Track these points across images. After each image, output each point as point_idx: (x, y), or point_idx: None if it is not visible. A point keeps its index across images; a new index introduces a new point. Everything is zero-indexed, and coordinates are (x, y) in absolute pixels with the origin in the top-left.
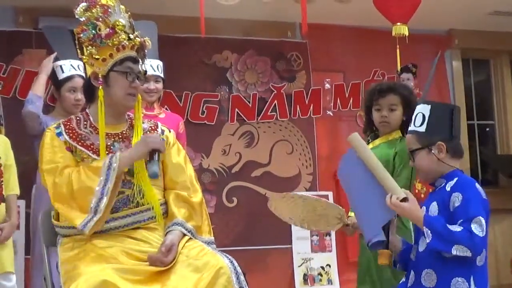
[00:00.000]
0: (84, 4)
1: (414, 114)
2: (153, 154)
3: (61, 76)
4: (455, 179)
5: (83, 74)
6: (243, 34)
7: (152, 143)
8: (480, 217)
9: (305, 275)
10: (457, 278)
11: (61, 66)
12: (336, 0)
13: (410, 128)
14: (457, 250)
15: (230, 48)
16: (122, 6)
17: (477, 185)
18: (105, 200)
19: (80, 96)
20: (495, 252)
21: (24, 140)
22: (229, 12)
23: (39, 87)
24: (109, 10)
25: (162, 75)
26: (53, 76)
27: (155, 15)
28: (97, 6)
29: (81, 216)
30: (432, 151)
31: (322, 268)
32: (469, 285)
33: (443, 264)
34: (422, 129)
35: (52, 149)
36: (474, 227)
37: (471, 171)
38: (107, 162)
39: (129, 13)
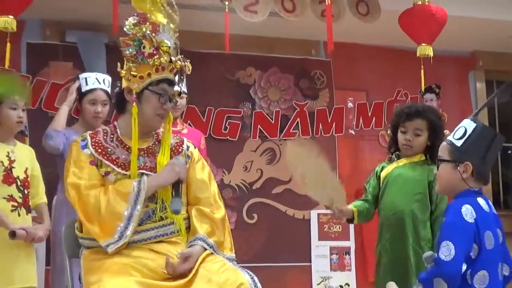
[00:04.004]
0: (135, 18)
1: (458, 126)
2: (178, 185)
3: (84, 88)
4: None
5: (107, 89)
6: (267, 51)
7: (180, 173)
8: (447, 241)
9: None
10: None
11: (86, 79)
12: (360, 19)
13: (449, 137)
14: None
15: (254, 64)
16: (172, 26)
17: (465, 208)
18: (131, 226)
19: (100, 109)
20: None
21: (47, 152)
22: (253, 29)
23: (59, 121)
24: (158, 29)
25: (186, 90)
26: (78, 87)
27: (179, 31)
28: (148, 23)
29: (106, 237)
30: (458, 168)
31: (341, 287)
32: None
33: None
34: (459, 143)
35: (78, 163)
36: (441, 252)
37: (493, 194)
38: (135, 188)
39: (177, 34)
